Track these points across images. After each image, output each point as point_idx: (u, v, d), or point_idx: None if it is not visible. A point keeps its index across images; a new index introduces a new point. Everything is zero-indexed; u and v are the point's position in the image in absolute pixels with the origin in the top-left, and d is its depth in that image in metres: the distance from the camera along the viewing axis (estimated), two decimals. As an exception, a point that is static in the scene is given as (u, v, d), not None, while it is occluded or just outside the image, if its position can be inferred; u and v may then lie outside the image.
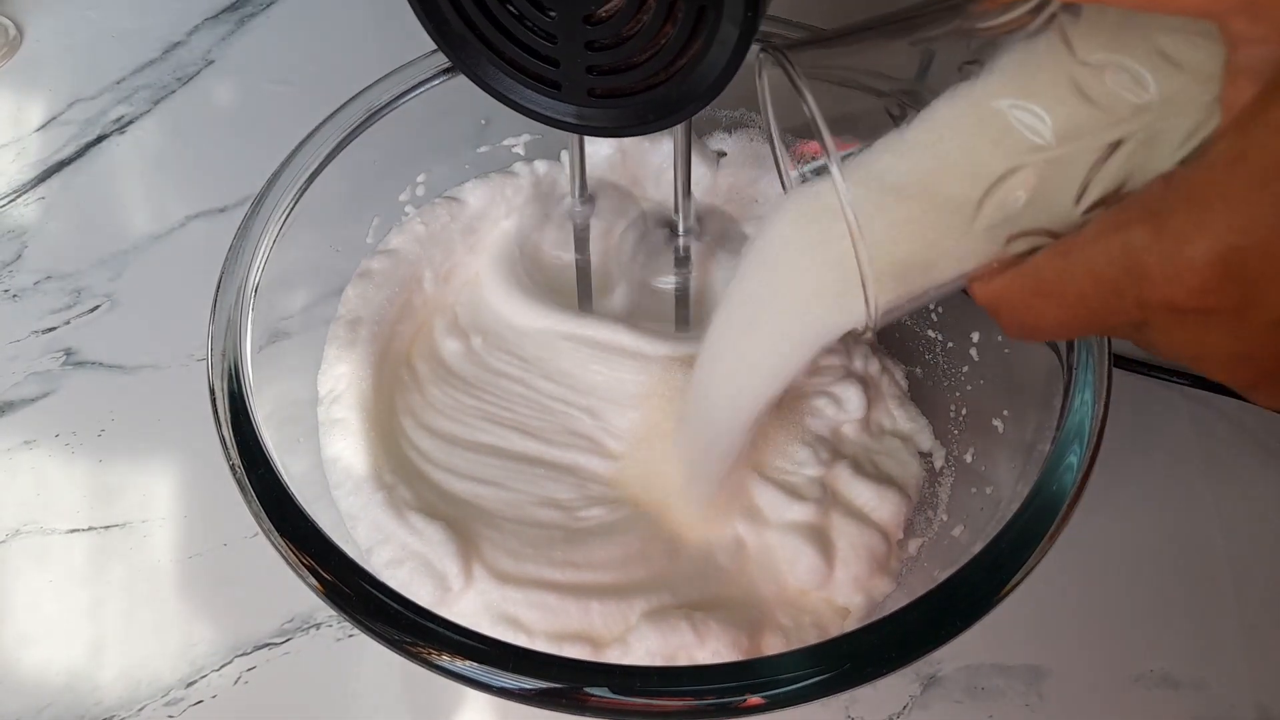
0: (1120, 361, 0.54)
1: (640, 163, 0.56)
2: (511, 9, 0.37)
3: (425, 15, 0.38)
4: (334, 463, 0.47)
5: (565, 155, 0.54)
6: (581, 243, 0.53)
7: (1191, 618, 0.50)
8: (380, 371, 0.50)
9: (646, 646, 0.42)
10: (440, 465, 0.49)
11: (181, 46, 0.72)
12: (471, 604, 0.44)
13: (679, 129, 0.43)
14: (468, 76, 0.40)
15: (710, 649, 0.42)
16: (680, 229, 0.50)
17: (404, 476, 0.48)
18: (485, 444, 0.50)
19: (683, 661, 0.42)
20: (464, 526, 0.46)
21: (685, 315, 0.53)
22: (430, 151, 0.53)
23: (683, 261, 0.51)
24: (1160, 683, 0.48)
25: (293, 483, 0.39)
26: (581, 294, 0.54)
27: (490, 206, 0.55)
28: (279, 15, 0.74)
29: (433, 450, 0.49)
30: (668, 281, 0.52)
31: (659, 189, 0.55)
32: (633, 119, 0.39)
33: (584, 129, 0.40)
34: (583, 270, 0.54)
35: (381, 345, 0.51)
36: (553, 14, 0.36)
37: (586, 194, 0.52)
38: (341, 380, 0.49)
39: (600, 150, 0.55)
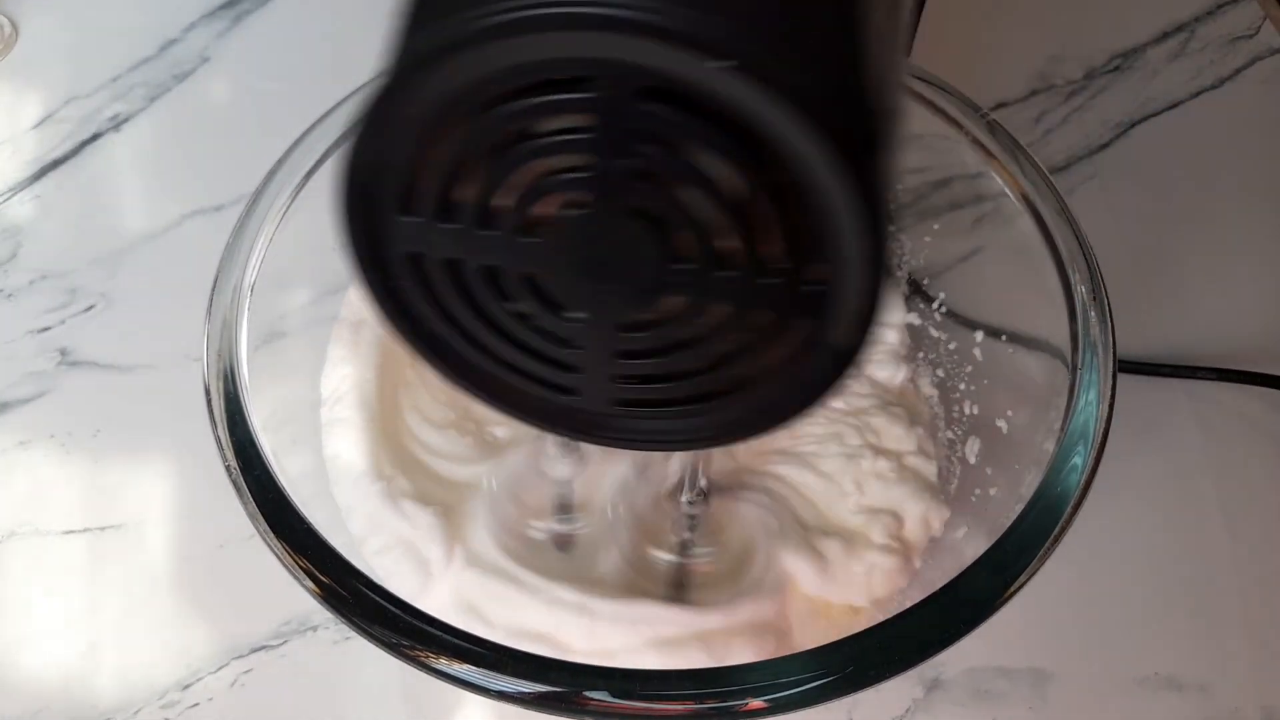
0: (1124, 365, 0.54)
1: None
2: (516, 308, 0.27)
3: (391, 313, 0.28)
4: (334, 459, 0.47)
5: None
6: (564, 506, 0.46)
7: (1196, 620, 0.50)
8: (384, 373, 0.50)
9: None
10: (443, 455, 0.48)
11: (177, 44, 0.72)
12: (449, 588, 0.43)
13: None
14: (448, 379, 0.30)
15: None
16: (685, 496, 0.44)
17: (403, 468, 0.47)
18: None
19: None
20: (459, 512, 0.46)
21: (682, 595, 0.45)
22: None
23: (690, 529, 0.45)
24: (1164, 685, 0.48)
25: (289, 484, 0.39)
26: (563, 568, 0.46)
27: None
28: (275, 12, 0.73)
29: (438, 443, 0.49)
30: (666, 557, 0.46)
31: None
32: (681, 434, 0.30)
33: (610, 441, 0.31)
34: (563, 543, 0.46)
35: (385, 347, 0.50)
36: (577, 317, 0.26)
37: (575, 449, 0.44)
38: (345, 381, 0.48)
39: None
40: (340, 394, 0.48)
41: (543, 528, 0.46)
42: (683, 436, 0.29)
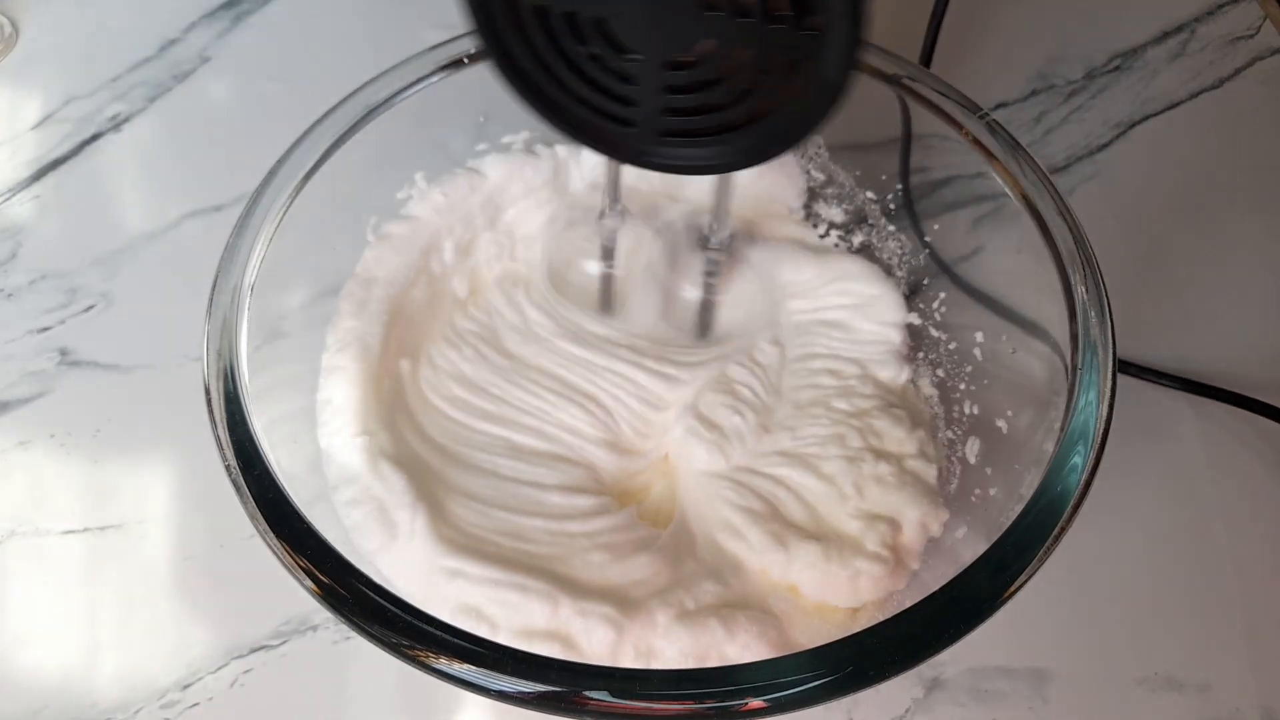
0: (1124, 367, 0.54)
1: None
2: (588, 50, 0.36)
3: (491, 45, 0.37)
4: (325, 404, 0.48)
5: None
6: (608, 252, 0.53)
7: (1195, 620, 0.50)
8: (390, 331, 0.51)
9: (680, 648, 0.42)
10: (435, 399, 0.51)
11: (177, 44, 0.72)
12: (414, 557, 0.44)
13: None
14: (538, 112, 0.39)
15: (740, 642, 0.42)
16: (713, 241, 0.50)
17: (388, 427, 0.49)
18: (490, 405, 0.51)
19: (713, 659, 0.42)
20: (433, 480, 0.48)
21: (709, 324, 0.54)
22: (428, 149, 0.53)
23: (711, 273, 0.52)
24: (1164, 685, 0.48)
25: (288, 483, 0.39)
26: (603, 302, 0.54)
27: (509, 182, 0.55)
28: (275, 12, 0.73)
29: (432, 395, 0.51)
30: (693, 292, 0.53)
31: (690, 193, 0.55)
32: (710, 159, 0.38)
33: (656, 166, 0.39)
34: (606, 280, 0.54)
35: (394, 307, 0.51)
36: (636, 57, 0.35)
37: (619, 206, 0.51)
38: (350, 333, 0.50)
39: None
40: (344, 344, 0.49)
41: (590, 269, 0.54)
42: (713, 161, 0.38)
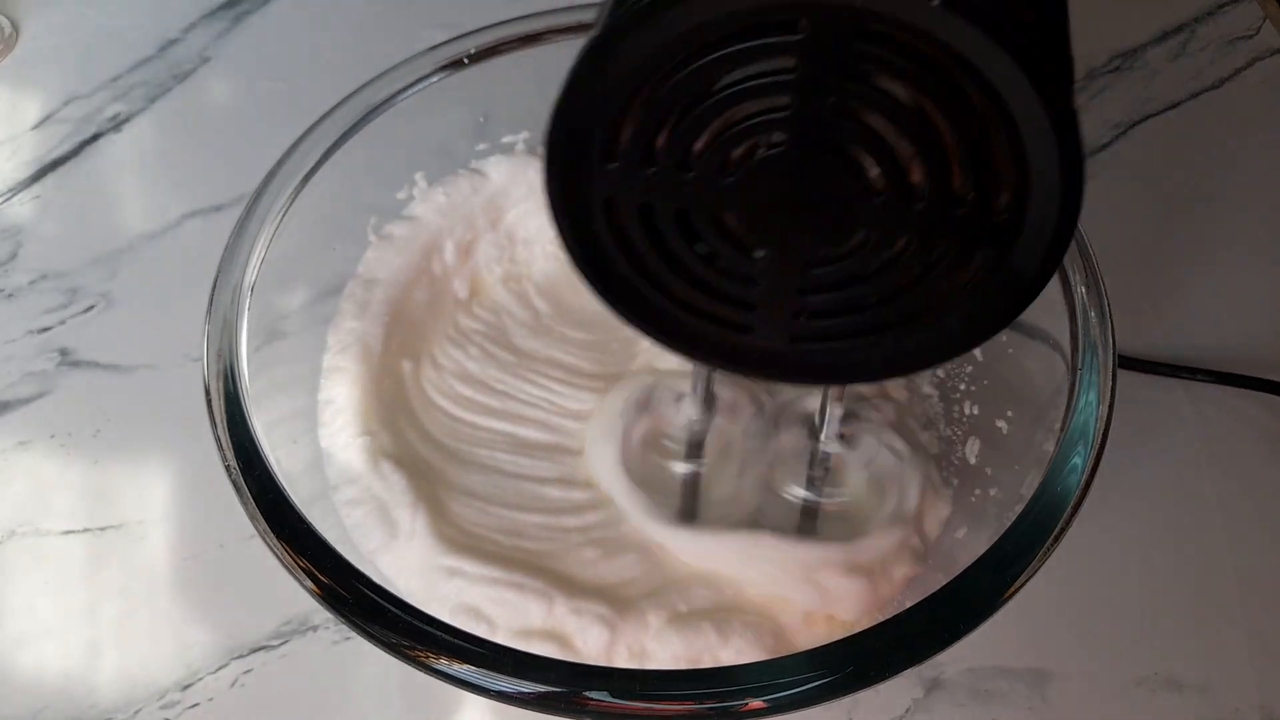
0: (1123, 362, 0.54)
1: None
2: (700, 249, 0.28)
3: (582, 260, 0.29)
4: (326, 404, 0.48)
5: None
6: (694, 449, 0.46)
7: (1196, 620, 0.50)
8: (391, 332, 0.51)
9: (672, 651, 0.42)
10: (438, 398, 0.51)
11: (177, 44, 0.72)
12: (414, 556, 0.44)
13: None
14: (627, 320, 0.30)
15: (734, 647, 0.42)
16: (822, 432, 0.44)
17: (389, 427, 0.49)
18: (490, 404, 0.51)
19: (707, 663, 0.42)
20: (433, 479, 0.47)
21: (812, 528, 0.46)
22: (428, 149, 0.53)
23: (819, 470, 0.46)
24: (1164, 685, 0.48)
25: (288, 483, 0.39)
26: (685, 506, 0.47)
27: (512, 185, 0.55)
28: (275, 13, 0.73)
29: (435, 395, 0.51)
30: (797, 494, 0.46)
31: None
32: (851, 368, 0.30)
33: (780, 377, 0.32)
34: (689, 483, 0.47)
35: (395, 308, 0.51)
36: (759, 255, 0.28)
37: (712, 401, 0.44)
38: (351, 334, 0.50)
39: None
40: (346, 344, 0.49)
41: (675, 467, 0.47)
42: (859, 368, 0.30)
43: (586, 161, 0.26)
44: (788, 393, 0.48)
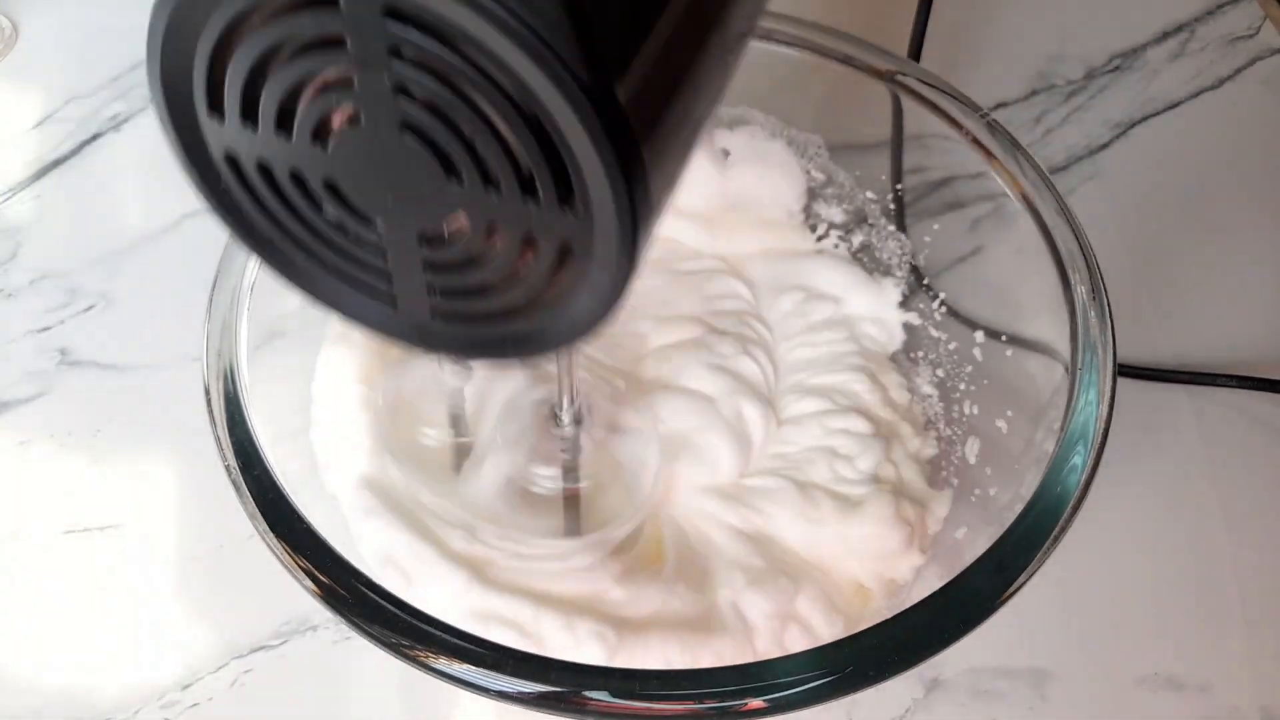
0: (1124, 370, 0.54)
1: None
2: (325, 216, 0.27)
3: (224, 213, 0.28)
4: (326, 364, 0.48)
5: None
6: (456, 419, 0.47)
7: (1196, 620, 0.50)
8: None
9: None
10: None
11: (178, 44, 0.72)
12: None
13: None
14: (280, 278, 0.30)
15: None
16: (565, 417, 0.44)
17: (386, 429, 0.48)
18: None
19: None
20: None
21: (574, 522, 0.47)
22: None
23: (571, 455, 0.46)
24: (1164, 685, 0.48)
25: (288, 483, 0.39)
26: (454, 465, 0.48)
27: None
28: (276, 12, 0.73)
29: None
30: (551, 478, 0.47)
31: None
32: (484, 345, 0.30)
33: (427, 348, 0.31)
34: (457, 447, 0.47)
35: None
36: (377, 226, 0.27)
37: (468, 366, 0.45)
38: (347, 334, 0.49)
39: None
40: (341, 340, 0.49)
41: (435, 436, 0.47)
42: (492, 348, 0.30)
43: (198, 110, 0.25)
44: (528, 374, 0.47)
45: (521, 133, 0.22)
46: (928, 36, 0.61)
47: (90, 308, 0.60)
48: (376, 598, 0.36)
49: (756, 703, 0.33)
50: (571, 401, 0.43)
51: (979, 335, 0.49)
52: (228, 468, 0.39)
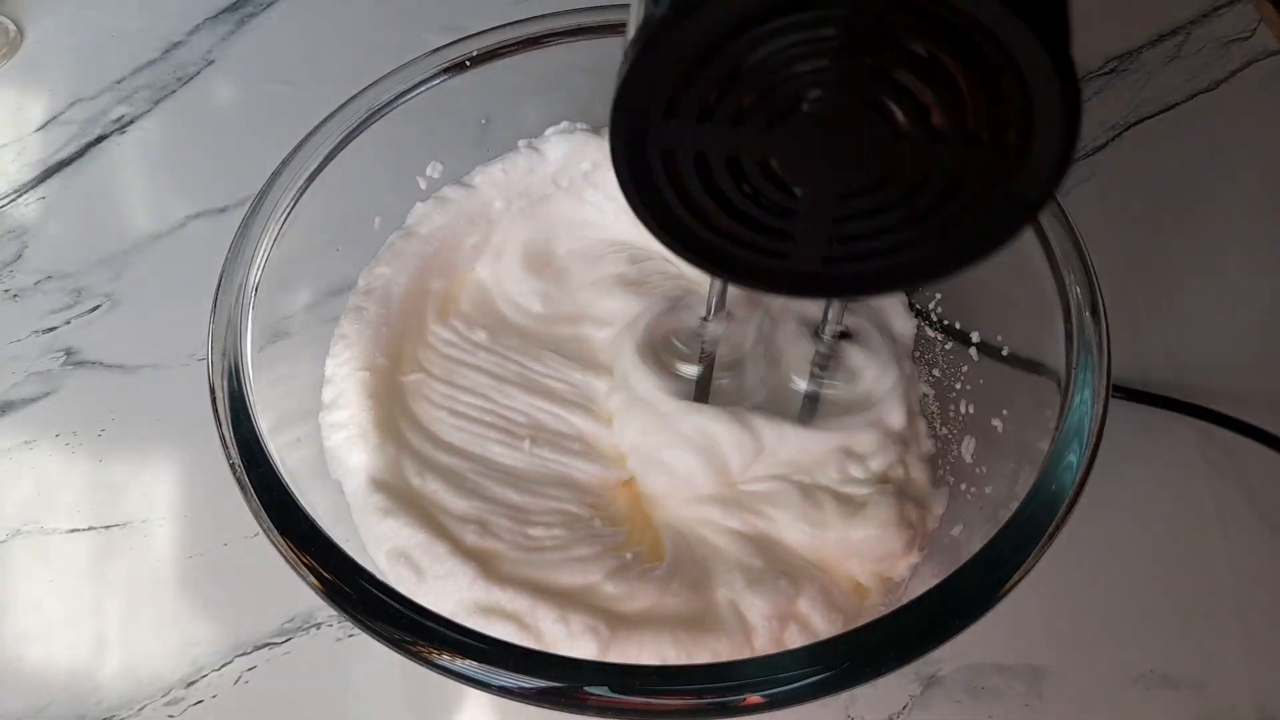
0: (1115, 389, 0.54)
1: None
2: (747, 188, 0.31)
3: (639, 201, 0.32)
4: (340, 338, 0.50)
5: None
6: (708, 358, 0.49)
7: (1191, 618, 0.50)
8: (417, 280, 0.53)
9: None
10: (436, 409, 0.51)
11: (182, 46, 0.72)
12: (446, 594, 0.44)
13: None
14: (673, 248, 0.34)
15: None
16: (825, 331, 0.47)
17: (392, 429, 0.49)
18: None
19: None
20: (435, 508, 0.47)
21: (813, 412, 0.50)
22: (431, 150, 0.53)
23: (821, 366, 0.49)
24: (1160, 683, 0.48)
25: (292, 481, 0.39)
26: (697, 397, 0.50)
27: (570, 162, 0.56)
28: (279, 15, 0.74)
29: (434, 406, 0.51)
30: (800, 384, 0.50)
31: None
32: (874, 282, 0.34)
33: (812, 294, 0.36)
34: (702, 386, 0.50)
35: (427, 261, 0.53)
36: (799, 191, 0.31)
37: (724, 311, 0.48)
38: (379, 279, 0.51)
39: None
40: (370, 289, 0.51)
41: (690, 372, 0.51)
42: (883, 281, 0.33)
43: (647, 121, 0.29)
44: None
45: (981, 79, 0.27)
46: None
47: (95, 308, 0.60)
48: (381, 595, 0.36)
49: (755, 698, 0.33)
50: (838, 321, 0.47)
51: (974, 335, 0.49)
52: (233, 466, 0.39)
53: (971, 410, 0.48)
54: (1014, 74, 0.27)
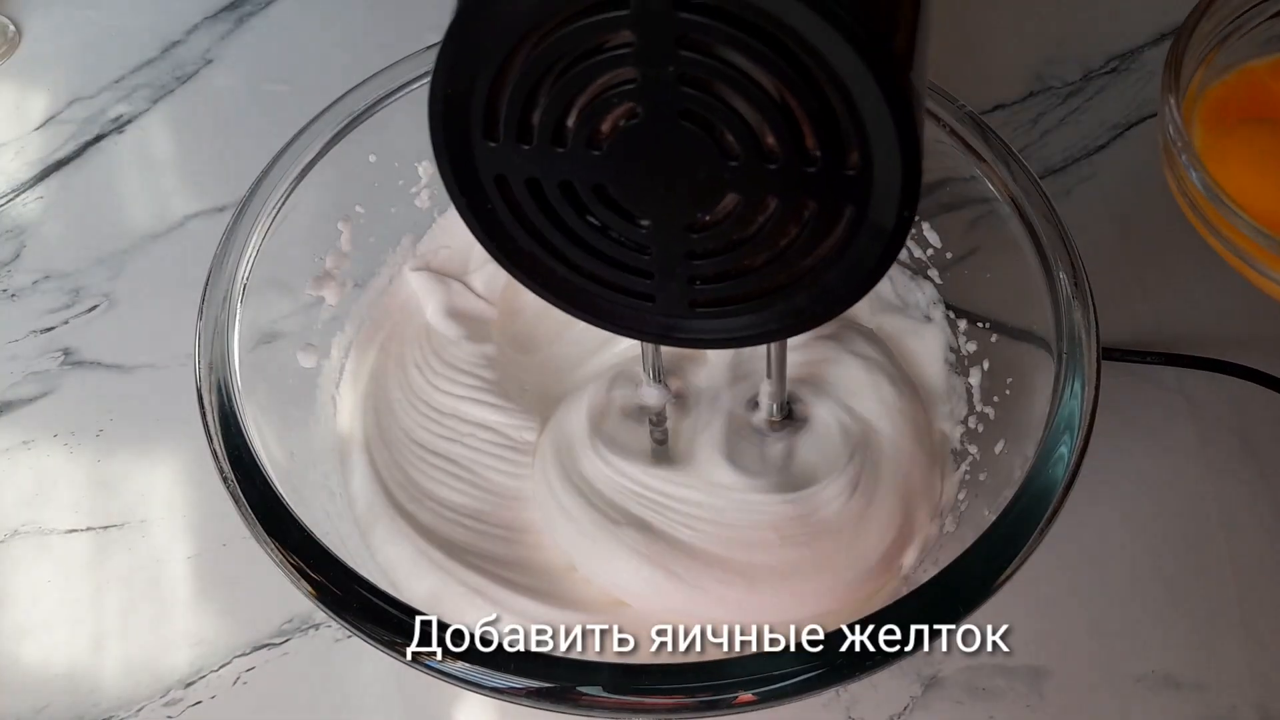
0: (1109, 353, 0.53)
1: None
2: (593, 220, 0.30)
3: (484, 234, 0.31)
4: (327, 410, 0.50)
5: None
6: (661, 433, 0.48)
7: (1193, 618, 0.50)
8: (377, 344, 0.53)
9: None
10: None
11: (180, 45, 0.72)
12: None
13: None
14: (536, 292, 0.33)
15: None
16: (765, 413, 0.47)
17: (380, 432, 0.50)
18: None
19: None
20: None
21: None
22: (424, 148, 0.53)
23: (770, 442, 0.47)
24: (1162, 683, 0.48)
25: (282, 486, 0.40)
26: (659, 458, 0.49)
27: None
28: (278, 14, 0.73)
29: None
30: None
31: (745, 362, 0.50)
32: (748, 329, 0.32)
33: (686, 342, 0.34)
34: (660, 449, 0.49)
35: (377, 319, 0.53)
36: (645, 224, 0.30)
37: (662, 378, 0.47)
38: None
39: None
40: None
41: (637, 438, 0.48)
42: (752, 331, 0.32)
43: (472, 140, 0.28)
44: (738, 367, 0.49)
45: (803, 95, 0.25)
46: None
47: (94, 308, 0.60)
48: (371, 597, 0.36)
49: (747, 695, 0.33)
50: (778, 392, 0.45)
51: (962, 324, 0.49)
52: (225, 479, 0.39)
53: (966, 404, 0.49)
54: (839, 89, 0.25)
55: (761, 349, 0.43)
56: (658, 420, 0.48)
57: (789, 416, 0.47)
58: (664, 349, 0.45)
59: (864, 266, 0.29)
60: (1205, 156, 0.51)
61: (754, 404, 0.48)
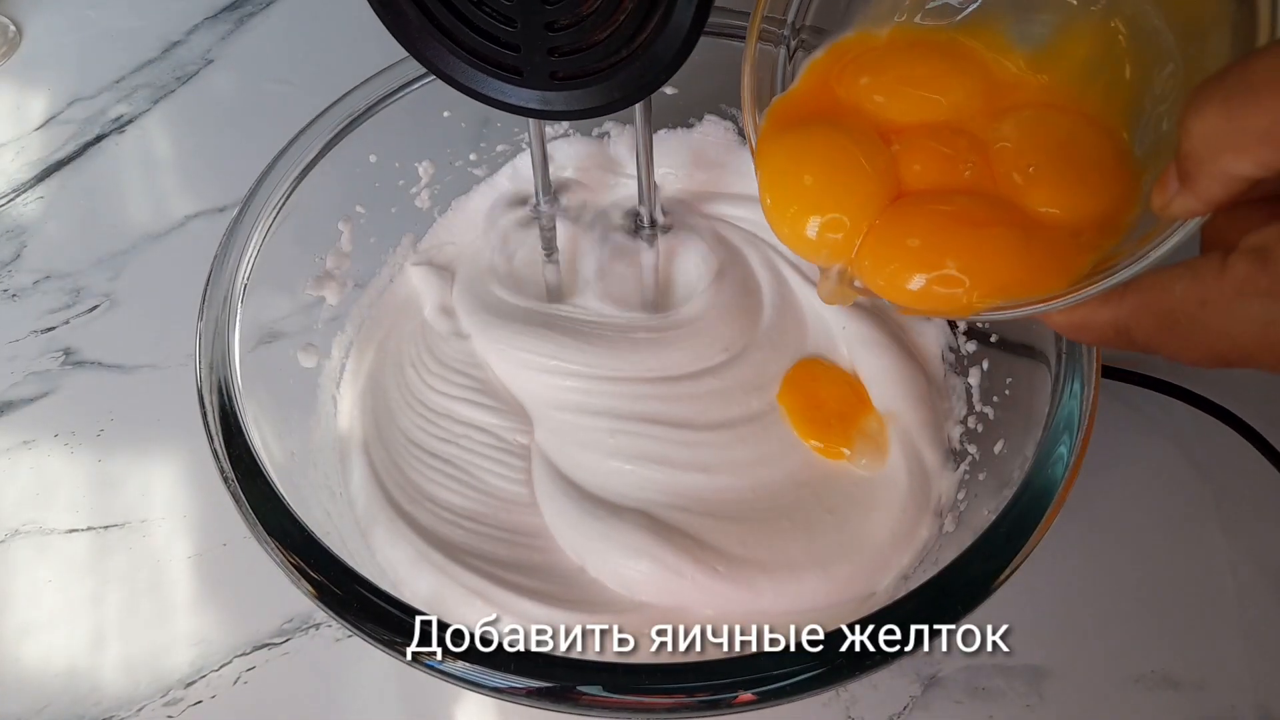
0: (1110, 372, 0.53)
1: (604, 158, 0.58)
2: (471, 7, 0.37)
3: (381, 7, 0.38)
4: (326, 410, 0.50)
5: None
6: (549, 242, 0.53)
7: (1192, 618, 0.50)
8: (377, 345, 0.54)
9: None
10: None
11: (181, 45, 0.72)
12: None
13: (639, 118, 0.44)
14: (426, 68, 0.40)
15: None
16: (645, 220, 0.50)
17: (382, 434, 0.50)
18: None
19: None
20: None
21: (651, 301, 0.54)
22: (424, 148, 0.53)
23: (650, 249, 0.52)
24: (1161, 683, 0.48)
25: (282, 484, 0.39)
26: (551, 293, 0.54)
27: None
28: (278, 14, 0.74)
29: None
30: (635, 271, 0.53)
31: (624, 183, 0.57)
32: (596, 99, 0.39)
33: (548, 114, 0.41)
34: (553, 268, 0.54)
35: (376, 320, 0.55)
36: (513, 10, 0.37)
37: (551, 192, 0.51)
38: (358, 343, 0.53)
39: (563, 150, 0.57)
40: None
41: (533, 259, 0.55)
42: (602, 100, 0.39)
43: None
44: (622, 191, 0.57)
45: None
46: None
47: (94, 308, 0.60)
48: (371, 597, 0.36)
49: (747, 695, 0.33)
50: (654, 202, 0.50)
51: (961, 325, 0.49)
52: (226, 479, 0.39)
53: (966, 404, 0.49)
54: None
55: (634, 164, 0.48)
56: (548, 224, 0.52)
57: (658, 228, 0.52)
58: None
59: (681, 31, 0.36)
60: None
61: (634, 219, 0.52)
